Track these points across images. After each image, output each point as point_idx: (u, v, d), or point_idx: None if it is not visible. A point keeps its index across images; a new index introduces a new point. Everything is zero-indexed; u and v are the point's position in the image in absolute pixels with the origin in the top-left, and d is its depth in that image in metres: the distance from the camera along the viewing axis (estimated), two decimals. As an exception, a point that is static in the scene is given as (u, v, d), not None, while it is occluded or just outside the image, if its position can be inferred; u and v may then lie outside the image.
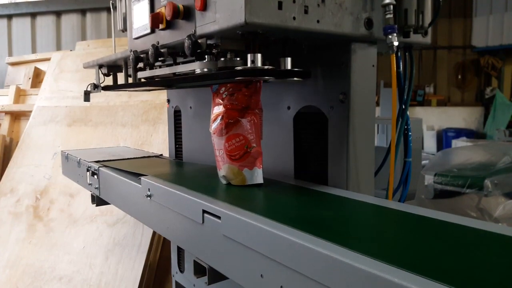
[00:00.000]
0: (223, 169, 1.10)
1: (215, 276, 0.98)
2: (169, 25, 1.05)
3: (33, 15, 5.08)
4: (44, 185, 2.74)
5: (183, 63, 1.10)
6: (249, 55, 0.89)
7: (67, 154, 1.82)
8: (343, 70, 1.02)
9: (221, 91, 1.10)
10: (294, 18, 0.86)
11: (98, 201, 1.57)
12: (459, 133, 7.20)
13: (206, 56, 0.97)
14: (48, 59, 3.57)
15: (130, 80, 1.35)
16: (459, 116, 7.79)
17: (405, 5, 1.01)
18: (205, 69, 0.97)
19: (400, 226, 0.77)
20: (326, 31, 0.91)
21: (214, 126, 1.10)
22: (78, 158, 1.66)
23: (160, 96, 2.77)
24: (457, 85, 8.20)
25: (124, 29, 1.37)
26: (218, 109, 1.09)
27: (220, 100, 1.09)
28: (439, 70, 8.29)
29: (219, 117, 1.07)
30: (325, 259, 0.60)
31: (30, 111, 3.22)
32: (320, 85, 1.09)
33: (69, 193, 2.62)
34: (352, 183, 1.04)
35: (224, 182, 1.13)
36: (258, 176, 1.08)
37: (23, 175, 2.86)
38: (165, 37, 1.08)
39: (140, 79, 1.30)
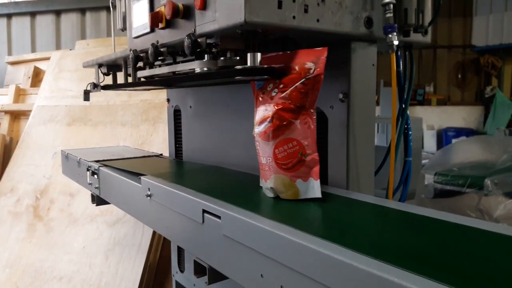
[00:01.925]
0: (271, 180, 0.93)
1: (215, 276, 0.98)
2: (169, 24, 1.04)
3: (33, 14, 5.08)
4: (44, 184, 2.74)
5: (183, 62, 1.10)
6: (248, 54, 0.89)
7: (67, 153, 1.82)
8: (343, 69, 1.02)
9: (268, 88, 0.94)
10: (294, 17, 0.85)
11: (98, 200, 1.57)
12: (459, 132, 7.21)
13: (205, 55, 0.96)
14: (48, 58, 3.56)
15: (130, 80, 1.35)
16: (459, 116, 7.79)
17: (405, 4, 1.00)
18: (205, 68, 0.97)
19: (400, 225, 0.76)
20: (326, 30, 0.91)
21: (260, 129, 0.93)
22: (78, 158, 1.66)
23: (160, 95, 2.77)
24: (457, 85, 8.20)
25: (124, 28, 1.37)
26: (265, 110, 0.92)
27: (268, 99, 0.92)
28: (439, 69, 8.29)
29: (268, 119, 0.90)
30: (325, 259, 0.60)
31: (30, 111, 3.22)
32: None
33: (69, 192, 2.62)
34: (352, 183, 1.04)
35: (270, 195, 0.95)
36: (314, 189, 0.91)
37: (23, 175, 2.86)
38: (165, 36, 1.08)
39: (139, 78, 1.29)
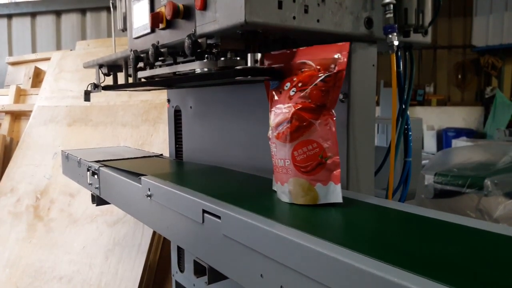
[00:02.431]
0: (289, 184, 0.88)
1: (215, 276, 0.98)
2: (169, 25, 1.05)
3: (33, 15, 5.08)
4: (44, 185, 2.74)
5: (183, 62, 1.10)
6: (249, 55, 0.89)
7: (67, 153, 1.82)
8: (343, 70, 1.02)
9: (285, 87, 0.88)
10: (294, 17, 0.86)
11: (98, 201, 1.57)
12: (459, 132, 7.20)
13: (206, 56, 0.97)
14: (48, 59, 3.57)
15: (130, 80, 1.35)
16: (459, 116, 7.79)
17: (405, 4, 1.01)
18: (205, 69, 0.97)
19: (400, 226, 0.77)
20: (326, 31, 0.91)
21: (277, 130, 0.88)
22: (79, 158, 1.66)
23: (160, 96, 2.77)
24: (457, 85, 8.20)
25: (124, 29, 1.37)
26: (283, 110, 0.87)
27: (286, 98, 0.87)
28: (439, 69, 8.29)
29: (286, 120, 0.85)
30: (325, 259, 0.60)
31: (30, 111, 3.22)
32: (320, 85, 1.08)
33: (69, 193, 2.62)
34: (352, 183, 1.04)
35: (286, 199, 0.90)
36: (334, 194, 0.85)
37: (23, 175, 2.86)
38: (165, 36, 1.08)
39: (140, 78, 1.30)
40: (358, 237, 0.71)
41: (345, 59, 0.83)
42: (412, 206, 0.86)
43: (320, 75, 0.83)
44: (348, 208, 0.86)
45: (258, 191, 1.06)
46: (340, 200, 0.85)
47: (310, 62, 0.87)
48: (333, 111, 0.85)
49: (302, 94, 0.84)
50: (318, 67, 0.85)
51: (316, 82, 0.83)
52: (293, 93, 0.86)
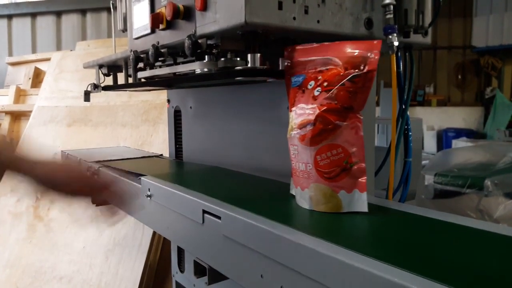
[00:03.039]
0: (309, 190, 0.83)
1: (215, 276, 0.98)
2: (169, 25, 1.05)
3: (33, 15, 5.08)
4: (44, 185, 2.74)
5: (183, 63, 1.10)
6: (249, 55, 0.89)
7: (67, 154, 1.82)
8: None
9: (309, 86, 0.82)
10: (294, 18, 0.86)
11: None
12: (459, 133, 7.20)
13: (206, 56, 0.97)
14: (48, 59, 3.57)
15: (130, 80, 1.35)
16: (459, 116, 7.79)
17: (405, 5, 1.01)
18: (205, 69, 0.97)
19: (400, 226, 0.77)
20: (326, 31, 0.91)
21: (300, 132, 0.82)
22: (78, 158, 1.66)
23: (160, 96, 2.77)
24: (457, 85, 8.20)
25: (124, 29, 1.37)
26: (306, 110, 0.81)
27: (310, 98, 0.81)
28: (439, 70, 8.28)
29: (310, 122, 0.79)
30: (325, 259, 0.60)
31: (30, 111, 3.22)
32: (320, 85, 1.08)
33: (69, 193, 2.62)
34: (352, 183, 1.04)
35: (305, 206, 0.84)
36: (359, 202, 0.80)
37: (23, 175, 2.86)
38: (165, 37, 1.08)
39: (140, 79, 1.30)
40: (357, 237, 0.71)
41: (377, 58, 0.77)
42: (410, 205, 0.86)
43: (348, 74, 0.78)
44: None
45: (271, 195, 1.01)
46: (365, 209, 0.80)
47: (337, 60, 0.81)
48: (360, 114, 0.79)
49: (328, 94, 0.78)
50: (346, 65, 0.79)
51: (343, 81, 0.77)
52: (318, 93, 0.80)
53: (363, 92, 0.78)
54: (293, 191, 0.91)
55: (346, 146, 0.79)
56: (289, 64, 0.91)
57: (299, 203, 0.86)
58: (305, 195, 0.84)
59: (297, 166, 0.85)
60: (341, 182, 0.80)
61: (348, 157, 0.79)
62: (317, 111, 0.78)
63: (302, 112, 0.82)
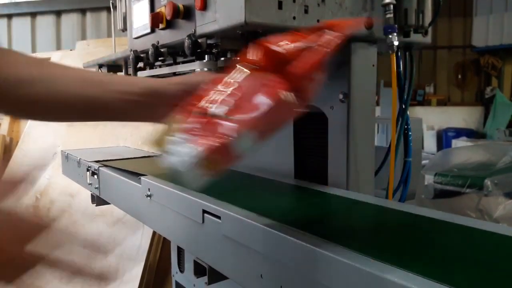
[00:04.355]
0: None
1: (215, 276, 0.98)
2: (169, 25, 1.05)
3: (33, 15, 5.08)
4: (44, 185, 2.74)
5: (183, 62, 1.10)
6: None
7: (67, 153, 1.82)
8: (343, 70, 1.02)
9: None
10: (294, 17, 0.86)
11: (98, 201, 1.57)
12: (459, 133, 7.20)
13: (206, 56, 0.97)
14: (48, 59, 3.57)
15: (130, 80, 1.35)
16: (459, 116, 7.80)
17: (405, 4, 1.01)
18: (205, 69, 0.97)
19: (400, 226, 0.77)
20: (326, 31, 0.91)
21: None
22: (78, 158, 1.66)
23: (160, 96, 2.77)
24: (457, 85, 8.21)
25: (124, 29, 1.37)
26: None
27: None
28: (439, 69, 8.29)
29: None
30: (325, 259, 0.60)
31: (30, 111, 3.22)
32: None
33: (69, 193, 2.62)
34: (352, 183, 1.04)
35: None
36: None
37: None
38: (165, 36, 1.08)
39: (140, 78, 1.30)
40: (357, 237, 0.71)
41: None
42: (410, 205, 0.86)
43: None
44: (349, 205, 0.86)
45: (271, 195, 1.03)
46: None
47: None
48: None
49: None
50: None
51: None
52: None
53: None
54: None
55: None
56: None
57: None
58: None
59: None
60: None
61: None
62: None
63: None
